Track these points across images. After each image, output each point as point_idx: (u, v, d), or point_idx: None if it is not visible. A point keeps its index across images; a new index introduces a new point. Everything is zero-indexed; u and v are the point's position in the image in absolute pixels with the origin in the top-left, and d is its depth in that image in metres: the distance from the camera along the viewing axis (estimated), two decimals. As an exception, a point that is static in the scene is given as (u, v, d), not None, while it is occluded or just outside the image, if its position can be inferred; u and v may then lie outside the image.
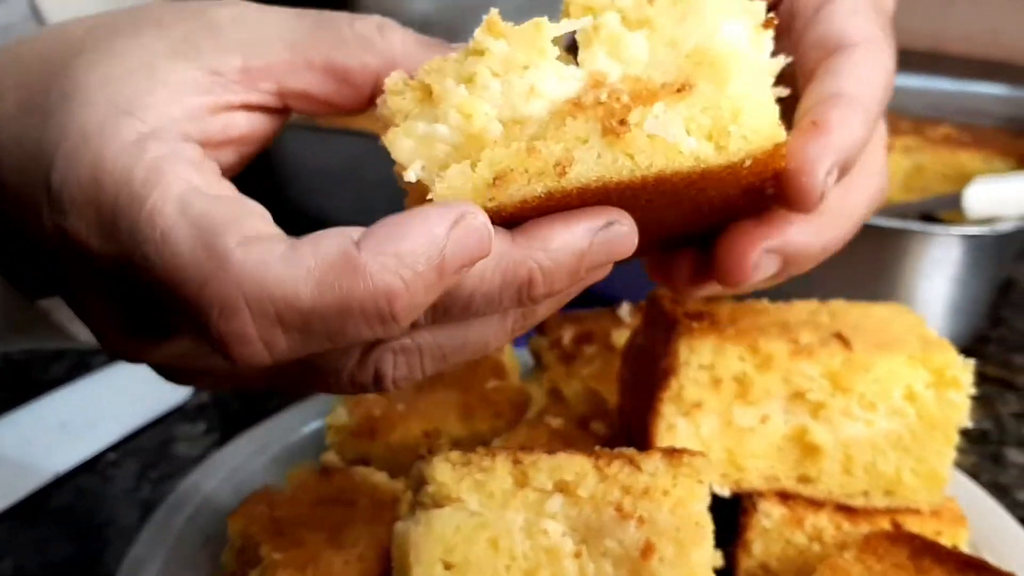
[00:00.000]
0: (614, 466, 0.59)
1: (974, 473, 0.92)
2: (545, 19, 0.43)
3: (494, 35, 0.43)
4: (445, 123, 0.43)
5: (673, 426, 0.66)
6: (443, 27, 0.99)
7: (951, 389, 0.66)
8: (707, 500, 0.58)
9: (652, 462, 0.59)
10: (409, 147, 0.43)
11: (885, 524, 0.67)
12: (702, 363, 0.66)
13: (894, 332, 0.70)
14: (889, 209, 1.19)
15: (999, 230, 0.99)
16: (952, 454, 0.68)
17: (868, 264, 1.02)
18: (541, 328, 0.90)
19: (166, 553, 0.70)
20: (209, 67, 0.45)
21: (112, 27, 0.46)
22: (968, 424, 0.67)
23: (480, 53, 0.43)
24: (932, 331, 0.71)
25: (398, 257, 0.38)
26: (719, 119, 0.44)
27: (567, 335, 0.88)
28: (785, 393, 0.67)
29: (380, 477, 0.71)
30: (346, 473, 0.72)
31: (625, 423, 0.75)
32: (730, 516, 0.69)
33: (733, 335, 0.67)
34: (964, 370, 0.66)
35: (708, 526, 0.57)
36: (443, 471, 0.59)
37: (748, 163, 0.45)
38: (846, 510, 0.68)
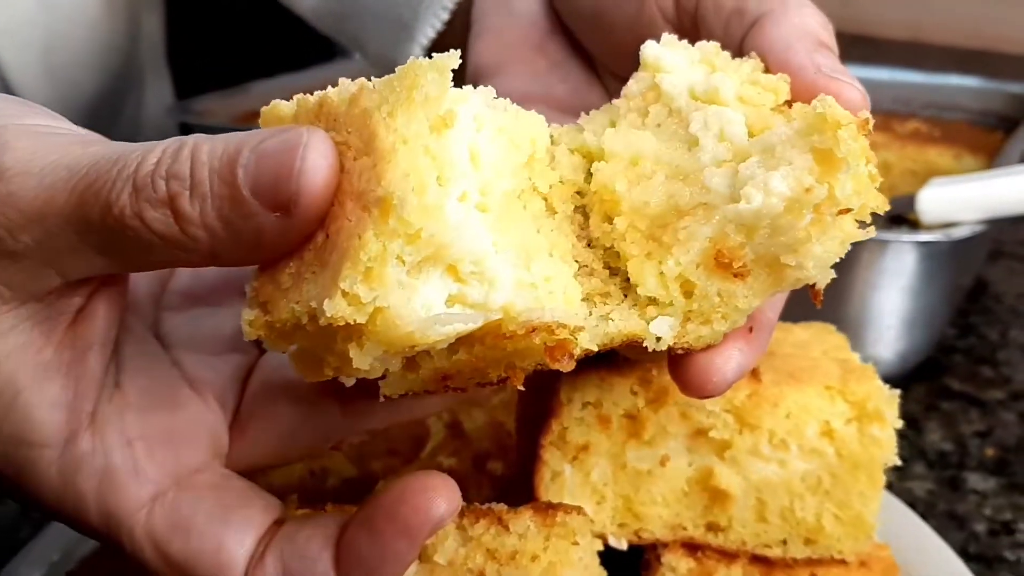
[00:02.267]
0: (479, 526, 0.52)
1: (930, 502, 0.85)
2: None
3: None
4: None
5: (559, 474, 0.59)
6: (332, 18, 0.92)
7: (874, 424, 0.59)
8: (584, 562, 0.51)
9: (522, 522, 0.52)
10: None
11: (804, 577, 0.60)
12: (587, 400, 0.59)
13: (811, 358, 0.63)
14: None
15: (954, 236, 0.91)
16: (879, 496, 0.60)
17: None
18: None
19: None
20: None
21: None
22: (896, 461, 0.60)
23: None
24: (855, 356, 0.64)
25: None
26: None
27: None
28: (685, 431, 0.60)
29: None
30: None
31: (523, 463, 0.67)
32: (633, 570, 0.62)
33: (622, 367, 0.59)
34: (888, 402, 0.59)
35: (582, 595, 0.50)
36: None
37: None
38: (763, 561, 0.61)
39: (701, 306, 0.45)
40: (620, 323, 0.44)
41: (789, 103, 0.46)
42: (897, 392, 0.59)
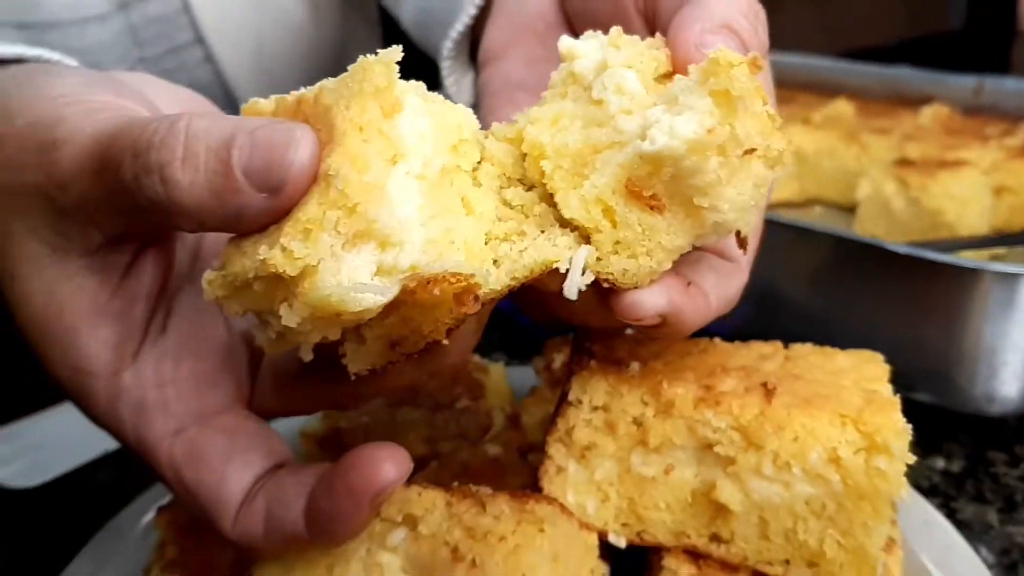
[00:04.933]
0: (463, 505, 0.57)
1: None
2: None
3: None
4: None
5: (563, 469, 0.63)
6: (417, 29, 0.99)
7: (882, 456, 0.58)
8: (549, 550, 0.55)
9: (498, 505, 0.57)
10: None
11: (801, 599, 0.60)
12: (595, 403, 0.62)
13: (837, 386, 0.63)
14: (957, 242, 1.06)
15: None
16: (884, 530, 0.59)
17: (930, 305, 0.91)
18: (541, 350, 0.88)
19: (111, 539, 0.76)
20: None
21: None
22: (903, 497, 0.59)
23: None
24: (887, 388, 0.62)
25: None
26: None
27: (559, 359, 0.86)
28: (693, 444, 0.62)
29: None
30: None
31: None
32: (637, 569, 0.65)
33: (634, 376, 0.62)
34: (898, 436, 0.58)
35: (539, 579, 0.54)
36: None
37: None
38: (764, 578, 0.62)
39: (626, 236, 0.50)
40: (533, 253, 0.50)
41: (670, 75, 0.52)
42: (910, 428, 0.58)
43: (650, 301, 0.52)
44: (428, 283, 0.45)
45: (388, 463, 0.49)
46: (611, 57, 0.53)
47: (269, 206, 0.45)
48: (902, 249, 0.93)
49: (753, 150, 0.47)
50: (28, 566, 0.86)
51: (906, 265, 0.93)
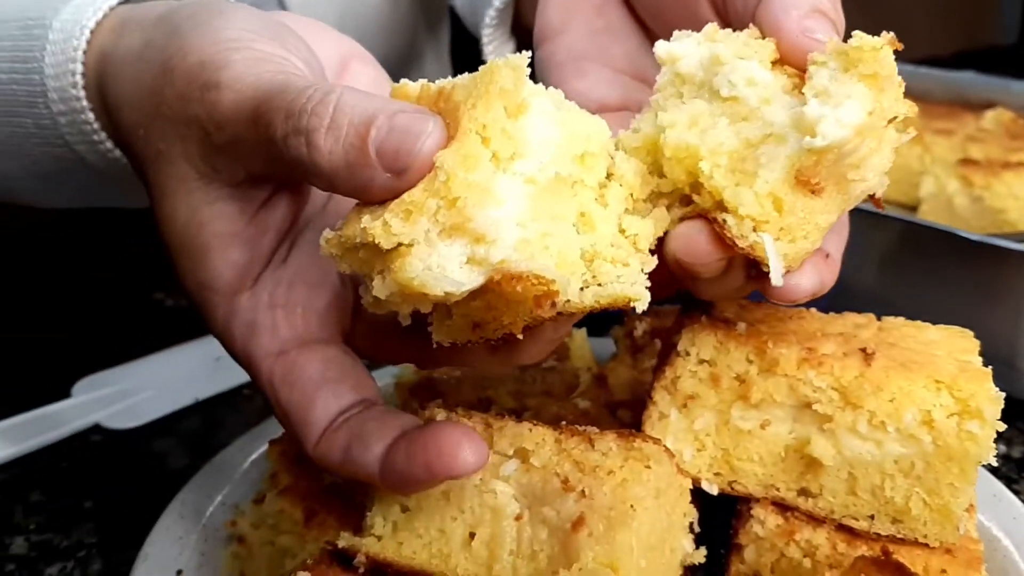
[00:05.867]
0: (572, 441, 0.61)
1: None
2: None
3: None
4: None
5: (665, 416, 0.67)
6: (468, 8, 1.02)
7: (974, 420, 0.61)
8: (655, 485, 0.59)
9: (606, 442, 0.60)
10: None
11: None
12: (702, 357, 0.66)
13: (932, 355, 0.65)
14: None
15: None
16: (970, 491, 0.62)
17: (998, 293, 0.94)
18: (622, 319, 0.92)
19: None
20: None
21: None
22: (991, 460, 0.62)
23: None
24: (978, 360, 0.65)
25: None
26: None
27: (641, 327, 0.89)
28: (792, 402, 0.65)
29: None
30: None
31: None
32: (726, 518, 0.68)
33: (741, 335, 0.66)
34: (991, 402, 0.61)
35: (646, 511, 0.57)
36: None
37: None
38: (848, 531, 0.65)
39: (789, 222, 0.53)
40: (621, 287, 0.53)
41: (779, 63, 0.55)
42: (1002, 396, 0.61)
43: (806, 284, 0.56)
44: (512, 279, 0.47)
45: (468, 450, 0.52)
46: (721, 52, 0.55)
47: (393, 185, 0.48)
48: (974, 237, 0.96)
49: (894, 118, 0.51)
50: (128, 501, 0.91)
51: (976, 253, 0.95)
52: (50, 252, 1.36)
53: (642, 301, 0.53)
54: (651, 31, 0.72)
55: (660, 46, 0.58)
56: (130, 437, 1.01)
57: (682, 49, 0.57)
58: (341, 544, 0.61)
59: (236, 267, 0.57)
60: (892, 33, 0.51)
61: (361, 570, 0.61)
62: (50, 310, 1.26)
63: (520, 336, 0.52)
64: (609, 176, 0.56)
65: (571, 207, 0.53)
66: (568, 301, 0.51)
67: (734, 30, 0.57)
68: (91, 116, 0.64)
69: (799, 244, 0.54)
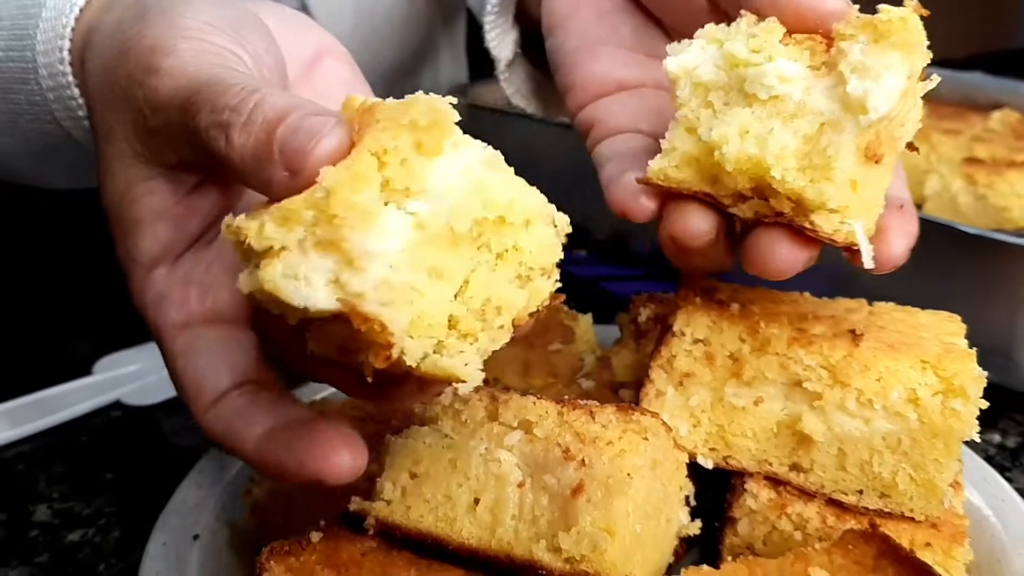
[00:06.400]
0: (574, 414, 0.64)
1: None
2: None
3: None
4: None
5: (662, 393, 0.70)
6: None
7: (958, 398, 0.64)
8: (651, 456, 0.62)
9: (606, 415, 0.63)
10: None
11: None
12: (697, 336, 0.69)
13: (919, 337, 0.68)
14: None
15: None
16: (954, 467, 0.65)
17: (997, 286, 0.96)
18: (626, 305, 0.95)
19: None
20: None
21: None
22: (975, 437, 0.64)
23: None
24: (963, 343, 0.68)
25: None
26: None
27: (644, 313, 0.92)
28: (783, 379, 0.68)
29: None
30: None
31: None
32: (720, 491, 0.71)
33: (734, 315, 0.68)
34: (974, 381, 0.63)
35: (642, 479, 0.60)
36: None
37: None
38: (837, 505, 0.68)
39: (864, 198, 0.57)
40: (451, 362, 0.49)
41: (789, 34, 0.57)
42: (984, 374, 0.64)
43: (901, 250, 0.60)
44: (359, 317, 0.44)
45: (345, 455, 0.52)
46: (735, 49, 0.57)
47: (290, 184, 0.48)
48: (972, 230, 0.98)
49: (919, 72, 0.55)
50: (146, 473, 0.94)
51: (975, 246, 0.98)
52: (74, 232, 1.39)
53: (469, 384, 0.51)
54: (645, 6, 0.75)
55: (670, 63, 0.59)
56: (149, 413, 1.04)
57: (692, 59, 0.59)
58: (352, 508, 0.65)
59: (160, 242, 0.59)
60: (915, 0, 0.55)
61: (371, 532, 0.64)
62: (72, 291, 1.29)
63: (369, 379, 0.48)
64: (514, 250, 0.51)
65: (458, 269, 0.49)
66: (405, 361, 0.47)
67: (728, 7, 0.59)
68: (76, 92, 0.67)
69: (874, 213, 0.57)
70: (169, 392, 1.05)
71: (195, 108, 0.53)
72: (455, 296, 0.49)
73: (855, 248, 0.57)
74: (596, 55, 0.73)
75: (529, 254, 0.52)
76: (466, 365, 0.50)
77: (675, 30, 0.73)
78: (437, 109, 0.46)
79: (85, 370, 1.10)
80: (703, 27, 0.59)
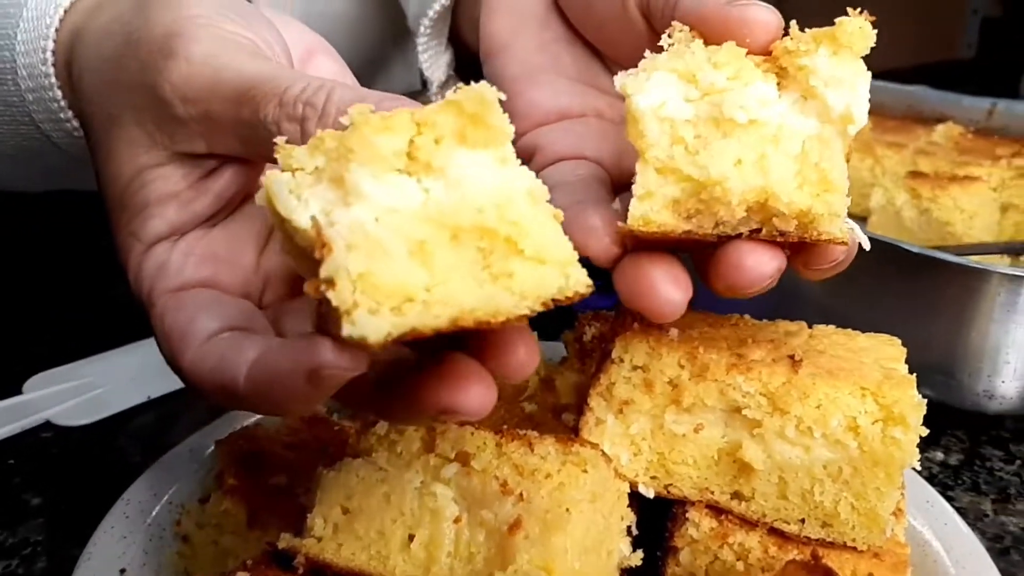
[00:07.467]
0: (512, 445, 0.62)
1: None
2: None
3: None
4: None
5: (602, 421, 0.68)
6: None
7: (898, 427, 0.63)
8: (590, 489, 0.60)
9: (545, 446, 0.62)
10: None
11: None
12: (636, 363, 0.67)
13: (859, 362, 0.68)
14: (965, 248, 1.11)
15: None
16: (895, 495, 0.65)
17: (939, 305, 0.97)
18: (572, 323, 0.93)
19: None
20: None
21: None
22: (916, 466, 0.64)
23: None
24: (903, 367, 0.68)
25: None
26: None
27: (590, 332, 0.90)
28: (723, 406, 0.67)
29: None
30: (326, 422, 0.79)
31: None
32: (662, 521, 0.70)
33: (673, 340, 0.67)
34: (914, 409, 0.63)
35: (582, 514, 0.59)
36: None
37: None
38: (779, 535, 0.67)
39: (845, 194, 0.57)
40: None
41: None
42: (924, 402, 0.63)
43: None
44: (320, 240, 0.43)
45: (336, 366, 0.46)
46: (715, 80, 0.55)
47: None
48: (915, 249, 0.98)
49: None
50: (77, 498, 0.91)
51: (920, 265, 0.98)
52: (1, 247, 1.35)
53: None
54: (585, 38, 0.74)
55: (633, 104, 0.55)
56: (81, 434, 1.01)
57: (657, 96, 0.55)
58: (281, 545, 0.62)
59: (168, 222, 0.59)
60: (863, 10, 0.55)
61: (300, 571, 0.62)
62: (1, 307, 1.25)
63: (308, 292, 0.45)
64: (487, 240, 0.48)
65: (446, 264, 0.46)
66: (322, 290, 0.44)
67: (662, 30, 0.58)
68: (59, 93, 0.66)
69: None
70: (102, 412, 1.03)
71: (255, 102, 0.53)
72: (427, 289, 0.45)
73: (841, 242, 0.58)
74: (538, 83, 0.72)
75: (522, 284, 0.48)
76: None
77: (615, 61, 0.72)
78: (483, 94, 0.46)
79: (15, 389, 1.06)
80: (645, 55, 0.57)
